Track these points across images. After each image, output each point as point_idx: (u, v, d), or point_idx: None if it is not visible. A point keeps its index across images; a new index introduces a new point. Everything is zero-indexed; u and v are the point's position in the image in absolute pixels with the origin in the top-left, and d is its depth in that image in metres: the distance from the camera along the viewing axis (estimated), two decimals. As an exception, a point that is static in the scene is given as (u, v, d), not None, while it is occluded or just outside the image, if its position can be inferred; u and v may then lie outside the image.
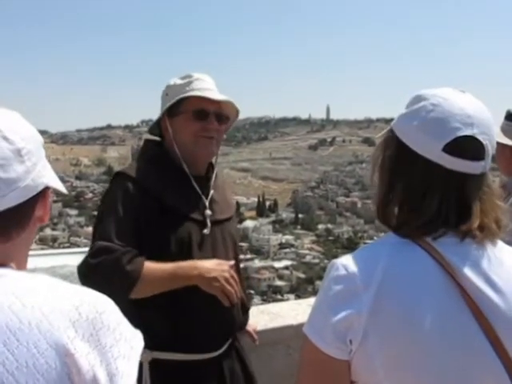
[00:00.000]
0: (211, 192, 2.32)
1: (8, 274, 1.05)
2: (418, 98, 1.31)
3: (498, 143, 2.82)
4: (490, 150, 1.27)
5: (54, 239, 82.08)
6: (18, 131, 1.10)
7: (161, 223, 2.15)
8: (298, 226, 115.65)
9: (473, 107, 1.27)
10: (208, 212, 2.26)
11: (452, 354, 1.17)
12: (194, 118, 2.24)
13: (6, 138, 1.06)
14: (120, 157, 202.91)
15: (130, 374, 1.04)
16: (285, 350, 2.92)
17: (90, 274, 2.01)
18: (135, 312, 1.88)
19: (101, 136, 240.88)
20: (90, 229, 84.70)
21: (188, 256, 2.14)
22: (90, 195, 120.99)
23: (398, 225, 1.29)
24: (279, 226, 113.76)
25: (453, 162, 1.23)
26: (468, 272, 1.21)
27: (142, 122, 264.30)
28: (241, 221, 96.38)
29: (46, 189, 1.14)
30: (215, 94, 2.26)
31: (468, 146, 1.23)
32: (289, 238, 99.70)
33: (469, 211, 1.24)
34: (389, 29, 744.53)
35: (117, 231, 2.05)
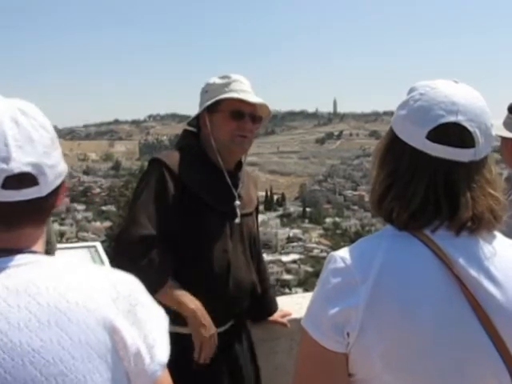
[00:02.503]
0: (240, 185, 2.52)
1: (42, 259, 1.10)
2: (411, 89, 1.33)
3: (500, 137, 2.83)
4: (481, 137, 1.25)
5: (62, 234, 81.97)
6: (47, 121, 1.14)
7: (192, 212, 2.35)
8: (306, 220, 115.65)
9: (461, 95, 1.27)
10: (237, 203, 2.46)
11: (450, 346, 1.17)
12: (231, 118, 2.44)
13: (43, 127, 1.11)
14: (127, 151, 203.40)
15: (164, 344, 1.13)
16: (288, 344, 2.91)
17: (120, 258, 2.29)
18: None
19: (108, 131, 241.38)
20: (97, 224, 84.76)
21: (216, 246, 2.36)
22: (98, 190, 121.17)
23: (386, 214, 1.29)
24: (287, 219, 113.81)
25: (437, 149, 1.23)
26: (466, 265, 1.20)
27: (149, 116, 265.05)
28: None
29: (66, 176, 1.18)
30: (252, 97, 2.46)
31: (452, 133, 1.23)
32: (296, 231, 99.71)
33: (458, 200, 1.23)
34: (397, 21, 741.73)
35: (148, 216, 2.26)
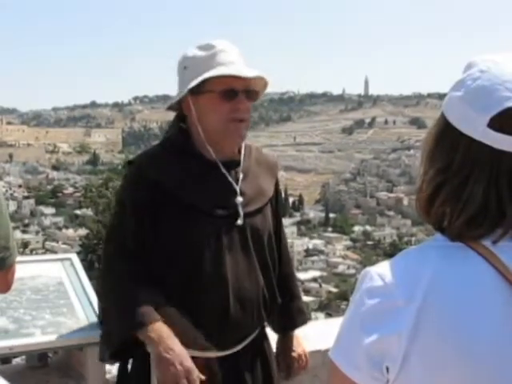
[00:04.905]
0: (240, 178, 2.49)
1: None
2: (468, 65, 1.32)
3: None
4: None
5: (25, 244, 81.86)
6: None
7: (179, 222, 2.38)
8: (329, 229, 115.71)
9: None
10: (239, 199, 2.45)
11: None
12: (221, 99, 2.39)
13: None
14: (107, 142, 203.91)
15: None
16: (310, 381, 2.92)
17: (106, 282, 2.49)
18: None
19: (83, 116, 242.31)
20: (69, 231, 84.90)
21: (210, 259, 2.39)
22: (71, 190, 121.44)
23: (437, 220, 1.28)
24: (305, 227, 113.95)
25: (501, 140, 1.20)
26: None
27: (135, 98, 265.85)
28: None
29: None
30: (246, 70, 2.40)
31: None
32: (317, 242, 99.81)
33: None
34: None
35: (127, 242, 2.40)
